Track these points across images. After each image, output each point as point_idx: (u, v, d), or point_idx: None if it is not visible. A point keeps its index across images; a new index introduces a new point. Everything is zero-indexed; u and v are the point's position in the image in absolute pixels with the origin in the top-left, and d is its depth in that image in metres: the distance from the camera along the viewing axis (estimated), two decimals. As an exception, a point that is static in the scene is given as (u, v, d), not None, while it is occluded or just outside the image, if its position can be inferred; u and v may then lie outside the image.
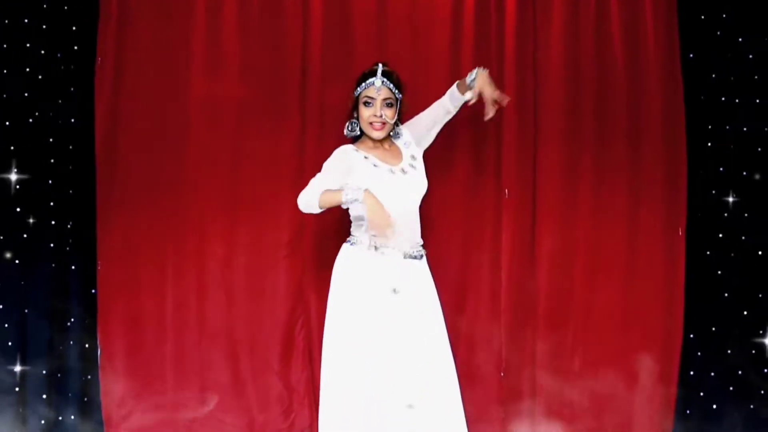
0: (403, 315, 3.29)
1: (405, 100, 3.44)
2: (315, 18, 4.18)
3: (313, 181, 3.25)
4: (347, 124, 3.40)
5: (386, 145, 3.39)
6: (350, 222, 3.39)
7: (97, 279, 4.14)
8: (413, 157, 3.42)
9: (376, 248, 3.28)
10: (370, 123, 3.31)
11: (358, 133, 3.40)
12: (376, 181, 3.27)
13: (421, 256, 3.36)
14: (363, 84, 3.33)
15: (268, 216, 4.18)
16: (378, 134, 3.32)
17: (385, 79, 3.31)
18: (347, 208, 3.29)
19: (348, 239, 3.37)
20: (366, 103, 3.31)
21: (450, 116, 3.51)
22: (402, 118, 3.46)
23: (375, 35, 4.20)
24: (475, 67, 3.58)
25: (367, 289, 3.31)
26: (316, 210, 3.25)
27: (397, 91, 3.34)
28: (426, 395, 3.32)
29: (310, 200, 3.23)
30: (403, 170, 3.36)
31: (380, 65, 3.35)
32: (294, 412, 4.19)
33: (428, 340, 3.35)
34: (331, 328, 3.37)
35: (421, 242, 3.40)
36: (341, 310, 3.35)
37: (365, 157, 3.31)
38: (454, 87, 3.45)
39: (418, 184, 3.39)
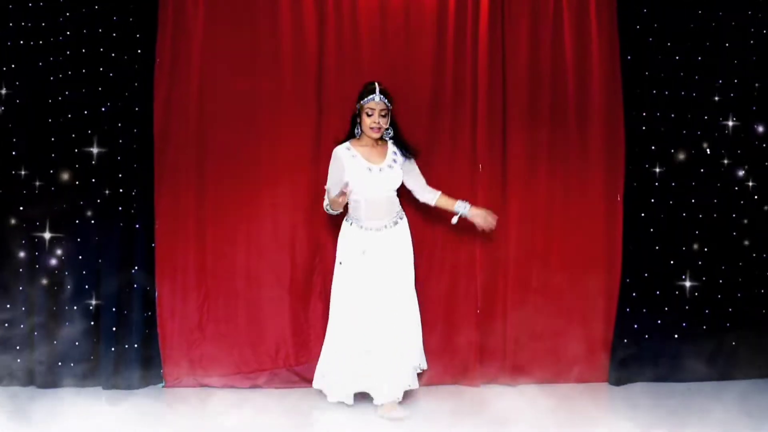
0: (370, 270, 4.26)
1: (395, 108, 4.33)
2: (329, 28, 4.72)
3: (327, 188, 4.26)
4: (354, 127, 4.34)
5: (378, 144, 4.36)
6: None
7: (155, 235, 4.67)
8: (394, 161, 4.37)
9: (360, 226, 4.30)
10: (371, 128, 4.30)
11: (360, 133, 4.33)
12: (358, 175, 4.28)
13: (396, 223, 4.33)
14: (366, 99, 4.29)
15: (292, 186, 4.70)
16: (376, 135, 4.33)
17: (382, 96, 4.30)
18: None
19: (345, 217, 4.32)
20: (368, 114, 4.29)
21: (415, 192, 4.48)
22: (396, 129, 4.35)
23: (377, 41, 4.74)
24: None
25: (347, 252, 4.30)
26: (334, 212, 4.31)
27: (389, 104, 4.33)
28: (384, 340, 4.24)
29: (326, 207, 4.32)
30: (380, 169, 4.33)
31: (377, 85, 4.28)
32: (311, 342, 4.74)
33: (392, 290, 4.29)
34: (333, 286, 4.37)
35: (397, 214, 4.35)
36: (336, 271, 4.35)
37: (353, 156, 4.30)
38: (445, 201, 4.41)
39: (391, 180, 4.37)
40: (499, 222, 4.65)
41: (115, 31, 4.66)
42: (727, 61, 4.89)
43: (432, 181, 4.57)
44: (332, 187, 4.25)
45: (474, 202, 4.55)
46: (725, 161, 4.89)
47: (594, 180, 4.87)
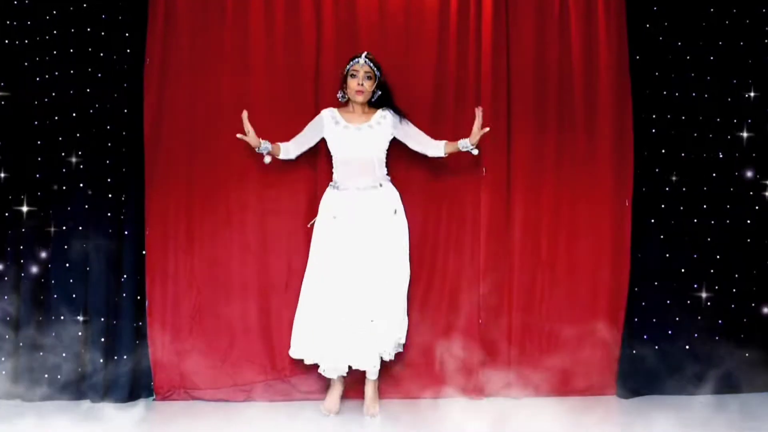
0: (342, 234, 4.31)
1: (389, 82, 4.38)
2: (327, 27, 4.66)
3: (295, 137, 4.37)
4: (339, 92, 4.41)
5: (364, 110, 4.41)
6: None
7: (145, 242, 4.59)
8: (378, 123, 4.41)
9: (337, 188, 4.38)
10: (355, 90, 4.34)
11: (346, 99, 4.38)
12: (334, 134, 4.38)
13: (379, 186, 4.37)
14: (351, 62, 4.37)
15: (288, 189, 4.65)
16: (360, 98, 4.37)
17: (367, 59, 4.35)
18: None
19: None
20: (352, 75, 4.34)
21: (422, 151, 4.52)
22: (386, 95, 4.38)
23: (377, 41, 4.69)
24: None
25: (320, 215, 4.38)
26: (281, 157, 4.44)
27: (375, 69, 4.36)
28: (358, 308, 4.27)
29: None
30: (358, 128, 4.38)
31: (365, 52, 4.35)
32: None
33: (369, 255, 4.31)
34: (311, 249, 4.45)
35: (380, 177, 4.39)
36: (313, 239, 4.45)
37: (333, 117, 4.40)
38: (451, 147, 4.45)
39: (369, 140, 4.40)
40: (503, 228, 4.70)
41: (103, 30, 4.61)
42: (740, 60, 4.83)
43: (434, 185, 4.65)
44: (294, 140, 4.41)
45: (478, 207, 4.68)
46: (739, 165, 4.84)
47: (601, 184, 4.82)
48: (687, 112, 4.81)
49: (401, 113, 4.46)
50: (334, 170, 4.45)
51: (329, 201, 4.44)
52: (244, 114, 4.26)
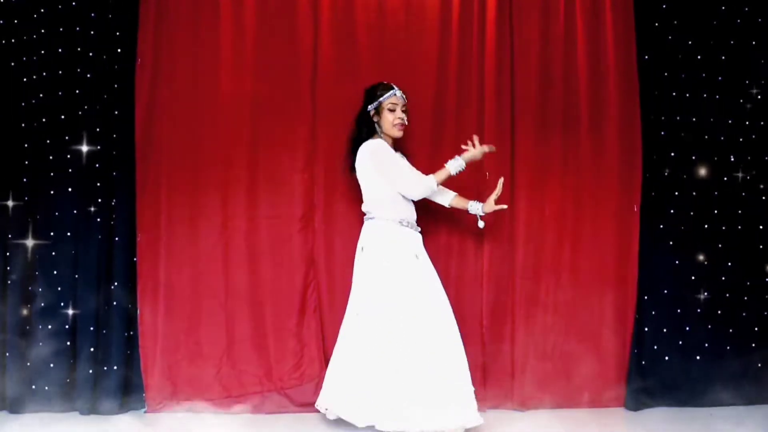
0: (425, 277, 4.10)
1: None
2: (324, 24, 4.61)
3: (405, 173, 4.12)
4: (361, 129, 4.19)
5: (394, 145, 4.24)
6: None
7: (136, 249, 4.53)
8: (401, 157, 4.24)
9: (411, 227, 4.16)
10: (394, 124, 4.17)
11: (374, 132, 4.18)
12: (408, 166, 4.17)
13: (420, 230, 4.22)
14: (386, 94, 4.17)
15: (284, 195, 4.59)
16: (400, 133, 4.22)
17: (401, 93, 4.21)
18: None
19: (384, 217, 4.12)
20: (391, 110, 4.16)
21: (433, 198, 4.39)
22: None
23: (376, 40, 4.64)
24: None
25: (399, 256, 4.09)
26: (436, 188, 4.16)
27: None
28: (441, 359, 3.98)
29: (429, 184, 4.11)
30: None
31: (394, 85, 4.19)
32: (305, 364, 4.58)
33: (443, 301, 4.12)
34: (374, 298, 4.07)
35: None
36: (377, 279, 4.09)
37: (396, 151, 4.21)
38: (459, 201, 4.37)
39: None
40: (506, 234, 4.64)
41: (93, 29, 4.55)
42: (753, 60, 4.77)
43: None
44: (404, 169, 4.12)
45: (475, 223, 4.54)
46: (750, 169, 4.77)
47: (608, 188, 4.77)
48: (697, 114, 4.76)
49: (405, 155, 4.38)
50: (400, 207, 4.14)
51: (406, 239, 4.13)
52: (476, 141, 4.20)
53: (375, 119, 4.21)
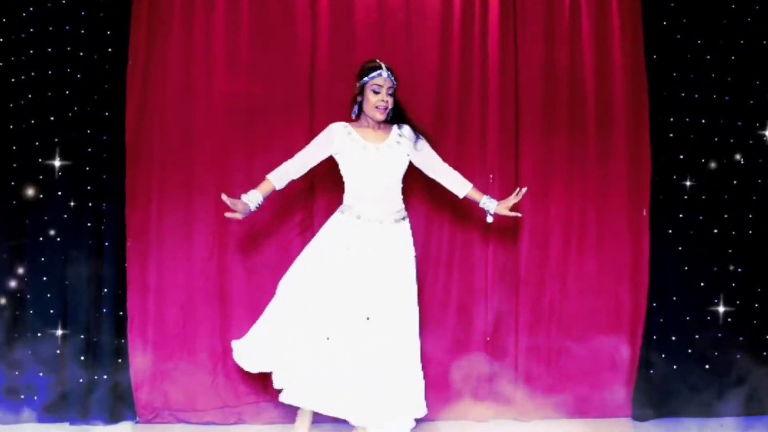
0: (354, 271, 3.93)
1: (398, 93, 4.07)
2: (322, 23, 4.55)
3: (297, 155, 4.01)
4: (354, 107, 4.05)
5: (380, 128, 4.06)
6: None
7: (126, 254, 4.46)
8: (397, 143, 4.05)
9: (357, 216, 3.98)
10: (377, 107, 3.99)
11: (359, 114, 4.07)
12: (351, 153, 3.99)
13: (397, 221, 4.03)
14: (371, 74, 3.98)
15: (282, 198, 4.48)
16: (381, 116, 4.02)
17: (389, 73, 4.01)
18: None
19: (339, 208, 4.04)
20: (374, 91, 3.98)
21: (444, 183, 4.21)
22: (401, 110, 4.08)
23: (375, 37, 4.59)
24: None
25: (328, 243, 3.99)
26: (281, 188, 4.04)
27: (395, 83, 4.03)
28: (366, 360, 3.89)
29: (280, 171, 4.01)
30: (377, 148, 4.01)
31: (379, 61, 4.01)
32: None
33: (384, 303, 3.94)
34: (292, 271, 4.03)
35: (399, 211, 4.05)
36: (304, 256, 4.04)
37: (349, 133, 4.01)
38: (474, 194, 4.17)
39: (392, 162, 4.02)
40: (511, 239, 4.58)
41: (83, 28, 4.49)
42: (763, 60, 4.73)
43: (439, 192, 4.43)
44: (295, 159, 4.03)
45: (483, 216, 4.40)
46: (761, 172, 4.74)
47: (616, 193, 4.72)
48: (707, 116, 4.71)
49: (420, 131, 4.12)
50: (347, 195, 4.04)
51: (344, 230, 3.99)
52: (224, 197, 3.92)
53: (358, 99, 4.07)
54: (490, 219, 4.19)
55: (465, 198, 4.20)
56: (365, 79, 4.01)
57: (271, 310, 4.05)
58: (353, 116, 4.11)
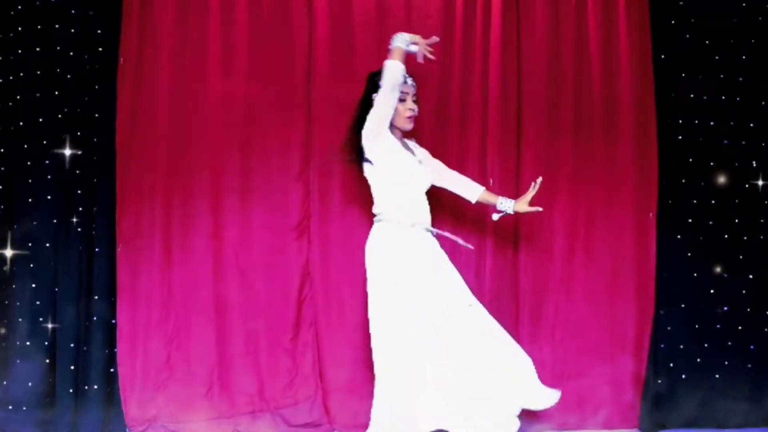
0: (444, 276, 3.81)
1: None
2: (320, 23, 4.50)
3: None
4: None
5: (402, 137, 3.95)
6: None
7: (116, 260, 4.39)
8: (420, 157, 3.97)
9: (412, 223, 3.81)
10: (407, 116, 3.86)
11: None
12: (402, 159, 3.83)
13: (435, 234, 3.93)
14: None
15: (278, 202, 4.47)
16: (411, 125, 3.90)
17: (412, 78, 3.88)
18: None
19: (378, 219, 3.85)
20: (401, 99, 3.83)
21: (457, 192, 4.12)
22: None
23: (374, 38, 4.50)
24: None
25: (405, 259, 3.75)
26: (396, 86, 3.73)
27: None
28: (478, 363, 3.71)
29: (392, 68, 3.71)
30: (419, 161, 3.93)
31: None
32: (299, 383, 4.46)
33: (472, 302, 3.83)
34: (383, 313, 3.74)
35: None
36: (381, 293, 3.75)
37: (393, 140, 3.86)
38: (488, 196, 4.06)
39: (428, 176, 3.95)
40: (512, 246, 4.54)
41: (73, 27, 4.46)
42: None
43: (437, 196, 4.34)
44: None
45: (484, 224, 4.47)
46: None
47: (622, 197, 4.66)
48: (716, 118, 4.70)
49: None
50: (395, 204, 3.82)
51: (408, 238, 3.78)
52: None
53: None
54: (496, 216, 4.06)
55: (478, 202, 4.10)
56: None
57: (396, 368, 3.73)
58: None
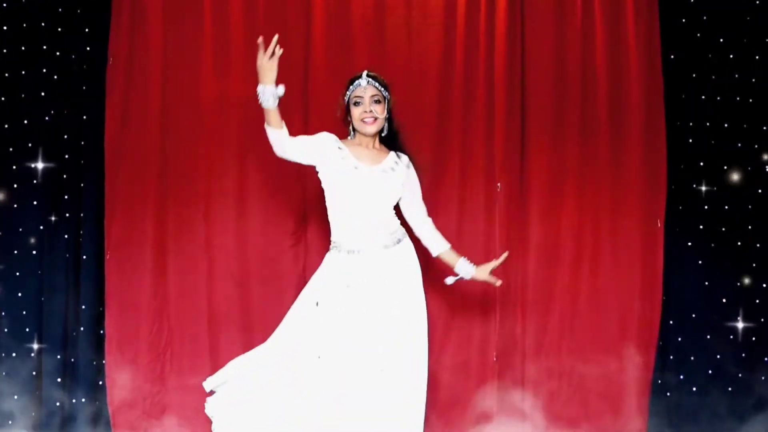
0: (359, 310, 3.51)
1: (395, 100, 3.74)
2: (317, 22, 4.44)
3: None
4: (349, 127, 3.68)
5: (375, 146, 3.68)
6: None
7: (105, 268, 4.35)
8: (392, 169, 3.66)
9: (348, 250, 3.56)
10: (362, 120, 3.62)
11: (353, 134, 3.70)
12: (342, 173, 3.56)
13: (398, 242, 3.63)
14: (351, 87, 3.65)
15: (274, 207, 4.42)
16: (371, 129, 3.62)
17: (370, 79, 3.64)
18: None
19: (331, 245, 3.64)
20: (356, 103, 3.63)
21: (414, 227, 3.76)
22: (393, 120, 3.74)
23: (373, 37, 4.47)
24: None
25: (326, 287, 3.55)
26: (274, 131, 3.55)
27: (383, 90, 3.65)
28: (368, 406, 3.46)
29: (269, 132, 3.56)
30: (371, 170, 3.61)
31: (365, 71, 3.67)
32: None
33: (391, 337, 3.52)
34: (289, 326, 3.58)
35: (396, 231, 3.65)
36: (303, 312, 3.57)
37: (339, 148, 3.61)
38: (450, 256, 3.73)
39: (385, 188, 3.62)
40: (517, 254, 4.42)
41: (60, 26, 4.46)
42: None
43: (442, 202, 4.38)
44: (297, 138, 3.59)
45: (491, 227, 4.41)
46: None
47: (630, 202, 4.57)
48: (729, 120, 4.62)
49: (411, 159, 3.75)
50: (335, 226, 3.65)
51: (337, 267, 3.60)
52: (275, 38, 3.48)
53: (347, 118, 3.74)
54: (451, 281, 3.78)
55: (437, 258, 3.80)
56: (347, 95, 3.68)
57: (257, 366, 3.59)
58: (350, 137, 3.76)
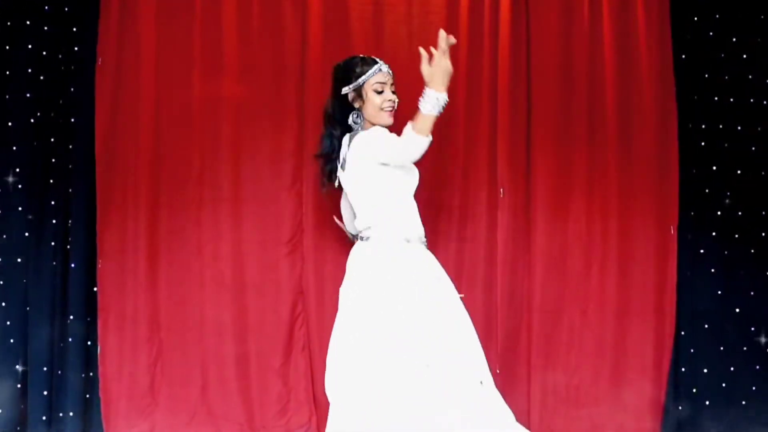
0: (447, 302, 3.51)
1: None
2: (313, 20, 4.36)
3: (393, 138, 3.43)
4: (352, 115, 3.59)
5: None
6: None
7: (97, 277, 4.27)
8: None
9: (421, 240, 3.56)
10: (384, 109, 3.52)
11: (361, 123, 3.61)
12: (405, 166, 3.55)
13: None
14: (370, 71, 3.53)
15: (269, 214, 4.35)
16: (391, 119, 3.55)
17: (388, 66, 3.60)
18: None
19: (379, 237, 3.53)
20: (377, 91, 3.53)
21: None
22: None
23: (372, 37, 4.41)
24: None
25: (416, 280, 3.44)
26: (428, 140, 3.31)
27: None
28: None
29: (419, 141, 3.28)
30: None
31: (372, 57, 3.62)
32: (292, 409, 4.33)
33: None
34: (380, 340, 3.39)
35: None
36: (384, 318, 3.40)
37: None
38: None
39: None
40: (522, 261, 4.41)
41: (46, 24, 4.32)
42: None
43: (443, 207, 4.38)
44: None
45: (494, 234, 4.38)
46: None
47: (641, 208, 4.49)
48: (743, 122, 4.53)
49: None
50: (402, 218, 3.58)
51: (421, 260, 3.51)
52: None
53: (357, 105, 3.60)
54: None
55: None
56: (363, 78, 3.56)
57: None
58: (357, 127, 3.66)
